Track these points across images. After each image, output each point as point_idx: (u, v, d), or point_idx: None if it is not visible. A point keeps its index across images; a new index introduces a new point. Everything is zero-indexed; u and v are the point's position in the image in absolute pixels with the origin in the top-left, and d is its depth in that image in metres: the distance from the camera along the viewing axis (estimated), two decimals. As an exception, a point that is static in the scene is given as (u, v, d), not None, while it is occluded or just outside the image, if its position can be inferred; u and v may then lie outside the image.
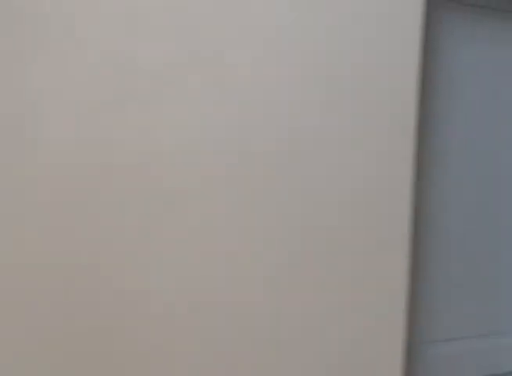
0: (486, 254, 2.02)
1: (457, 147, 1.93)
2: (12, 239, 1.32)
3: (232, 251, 1.49)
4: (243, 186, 1.49)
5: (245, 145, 1.49)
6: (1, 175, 1.31)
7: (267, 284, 1.53)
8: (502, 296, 2.06)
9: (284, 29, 1.52)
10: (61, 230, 1.35)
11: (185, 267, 1.45)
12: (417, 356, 1.90)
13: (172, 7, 1.41)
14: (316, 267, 1.58)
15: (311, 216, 1.57)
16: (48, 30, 1.32)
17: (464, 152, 1.94)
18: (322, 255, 1.59)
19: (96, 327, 1.38)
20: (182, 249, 1.44)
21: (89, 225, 1.37)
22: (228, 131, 1.47)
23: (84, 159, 1.36)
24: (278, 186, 1.53)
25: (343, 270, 1.61)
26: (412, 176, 1.68)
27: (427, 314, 1.92)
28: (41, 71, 1.32)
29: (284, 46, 1.52)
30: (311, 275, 1.58)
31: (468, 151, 1.95)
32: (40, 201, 1.33)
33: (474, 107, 1.95)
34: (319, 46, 1.56)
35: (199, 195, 1.45)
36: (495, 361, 2.05)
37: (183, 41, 1.43)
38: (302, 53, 1.54)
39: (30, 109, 1.32)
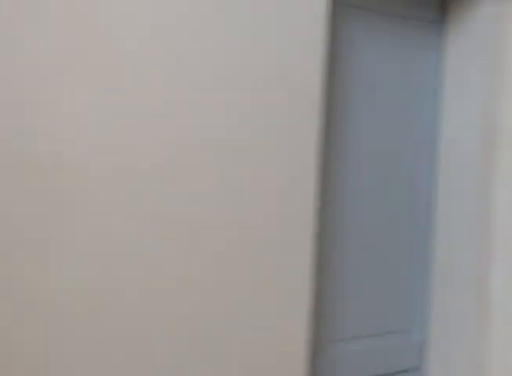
0: (389, 253, 2.07)
1: (361, 147, 1.98)
2: None
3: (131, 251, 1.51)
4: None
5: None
6: None
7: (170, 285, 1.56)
8: (403, 295, 2.11)
9: (187, 31, 1.56)
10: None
11: (91, 266, 1.45)
12: (322, 354, 1.93)
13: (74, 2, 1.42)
14: (217, 268, 1.60)
15: (210, 217, 1.59)
16: None
17: (367, 151, 1.99)
18: (224, 255, 1.60)
19: None
20: (89, 249, 1.45)
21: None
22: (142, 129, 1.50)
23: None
24: (198, 187, 1.56)
25: (245, 271, 1.63)
26: (317, 177, 1.71)
27: (330, 313, 1.95)
28: None
29: (189, 48, 1.54)
30: (212, 275, 1.60)
31: (371, 150, 2.00)
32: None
33: (376, 107, 2.01)
34: (224, 48, 1.59)
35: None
36: (398, 359, 2.10)
37: (78, 43, 1.43)
38: (205, 55, 1.57)
39: None
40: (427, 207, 2.14)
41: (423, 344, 2.16)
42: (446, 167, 2.10)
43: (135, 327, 1.50)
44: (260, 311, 1.65)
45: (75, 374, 1.43)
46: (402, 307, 2.11)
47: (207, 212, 1.57)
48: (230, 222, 1.60)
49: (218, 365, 1.60)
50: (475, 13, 2.03)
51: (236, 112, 1.59)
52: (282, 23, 1.63)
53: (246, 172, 1.61)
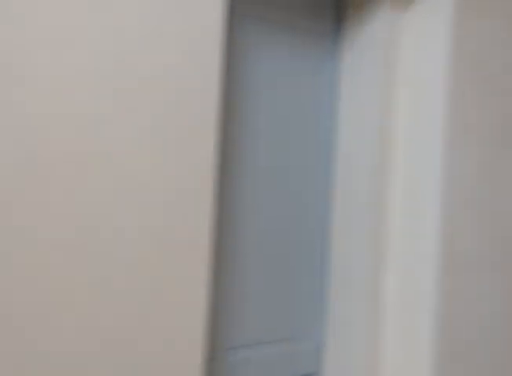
0: (287, 261, 2.07)
1: (259, 160, 1.98)
2: None
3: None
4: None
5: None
6: None
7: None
8: (301, 301, 2.12)
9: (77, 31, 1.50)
10: None
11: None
12: (219, 362, 1.92)
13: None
14: (108, 276, 1.55)
15: (107, 219, 1.55)
16: None
17: (265, 165, 2.00)
18: (122, 260, 1.56)
19: None
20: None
21: None
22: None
23: None
24: (90, 188, 1.50)
25: (141, 276, 1.58)
26: (214, 183, 1.70)
27: (228, 320, 1.94)
28: None
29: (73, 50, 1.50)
30: (102, 282, 1.55)
31: (268, 163, 2.01)
32: None
33: (273, 120, 2.01)
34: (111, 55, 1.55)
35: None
36: (297, 364, 2.11)
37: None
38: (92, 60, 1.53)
39: None
40: (324, 216, 2.17)
41: (321, 349, 2.18)
42: (342, 176, 2.14)
43: (43, 326, 1.42)
44: (155, 318, 1.60)
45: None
46: (299, 313, 2.12)
47: (90, 230, 1.51)
48: (122, 234, 1.54)
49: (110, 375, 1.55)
50: (370, 26, 2.08)
51: (136, 118, 1.53)
52: (175, 36, 1.59)
53: (139, 188, 1.57)
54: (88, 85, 1.49)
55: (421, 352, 2.07)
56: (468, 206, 2.15)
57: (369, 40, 2.09)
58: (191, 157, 1.64)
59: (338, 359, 2.14)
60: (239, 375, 1.96)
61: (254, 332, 2.01)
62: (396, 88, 2.13)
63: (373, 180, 2.08)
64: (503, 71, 2.25)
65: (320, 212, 2.16)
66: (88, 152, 1.49)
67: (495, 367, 2.29)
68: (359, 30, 2.12)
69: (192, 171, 1.65)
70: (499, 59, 2.22)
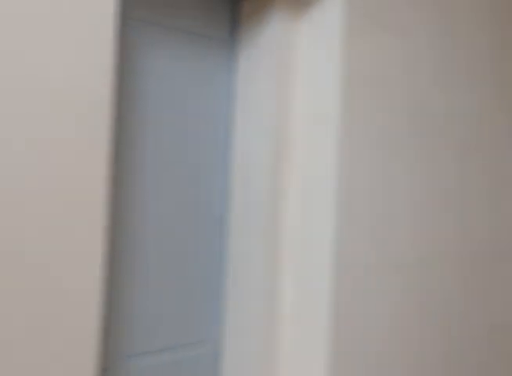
0: (182, 266, 2.07)
1: (154, 161, 1.99)
2: None
3: None
4: None
5: None
6: None
7: None
8: (197, 308, 2.11)
9: None
10: None
11: None
12: (113, 371, 1.88)
13: None
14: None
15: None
16: None
17: (161, 165, 2.00)
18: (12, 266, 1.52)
19: None
20: None
21: None
22: None
23: None
24: None
25: (29, 284, 1.53)
26: (107, 189, 1.67)
27: (123, 328, 1.92)
28: None
29: None
30: None
31: (164, 165, 2.01)
32: None
33: (169, 122, 2.02)
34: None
35: None
36: (194, 371, 2.10)
37: None
38: None
39: None
40: (220, 220, 2.17)
41: (218, 355, 2.18)
42: (239, 178, 2.15)
43: None
44: (42, 328, 1.55)
45: None
46: (198, 318, 2.11)
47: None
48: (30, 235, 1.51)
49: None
50: (265, 31, 2.12)
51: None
52: (64, 38, 1.57)
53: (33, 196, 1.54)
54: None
55: (317, 356, 2.10)
56: (362, 208, 2.20)
57: (264, 45, 2.13)
58: (82, 159, 1.62)
59: (236, 367, 2.14)
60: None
61: (153, 338, 1.99)
62: (292, 90, 2.17)
63: (269, 181, 2.10)
64: (393, 76, 2.32)
65: (217, 219, 2.16)
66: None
67: (392, 365, 2.34)
68: (255, 35, 2.15)
69: (83, 177, 1.62)
70: (388, 69, 2.30)
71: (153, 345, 2.00)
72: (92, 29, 1.63)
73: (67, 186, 1.60)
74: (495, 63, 2.75)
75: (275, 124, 2.11)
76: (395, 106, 2.31)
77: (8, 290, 1.50)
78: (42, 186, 1.56)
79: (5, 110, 1.49)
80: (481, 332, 2.72)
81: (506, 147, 2.83)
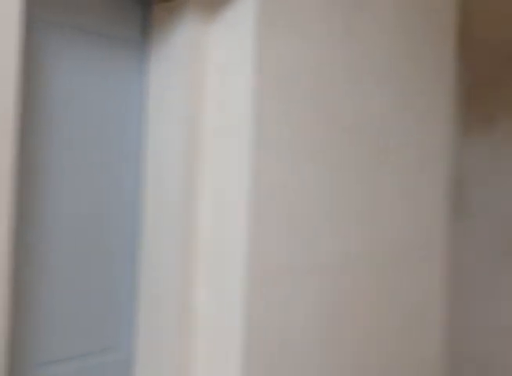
0: (94, 272, 2.04)
1: (61, 158, 1.95)
2: None
3: None
4: None
5: None
6: None
7: None
8: (110, 314, 2.09)
9: None
10: None
11: None
12: None
13: None
14: None
15: None
16: None
17: (69, 170, 1.98)
18: None
19: None
20: None
21: None
22: None
23: None
24: None
25: None
26: (12, 188, 1.64)
27: (32, 336, 1.88)
28: None
29: None
30: None
31: (73, 169, 1.98)
32: None
33: (77, 125, 2.00)
34: None
35: None
36: None
37: None
38: None
39: None
40: (133, 224, 2.16)
41: (130, 363, 2.15)
42: (153, 183, 2.14)
43: None
44: None
45: None
46: (109, 325, 2.08)
47: None
48: None
49: None
50: (176, 35, 2.11)
51: None
52: None
53: None
54: None
55: (231, 365, 2.11)
56: (275, 210, 2.22)
57: (176, 46, 2.13)
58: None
59: (148, 371, 2.13)
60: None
61: (62, 346, 1.95)
62: (204, 92, 2.17)
63: (183, 183, 2.10)
64: (306, 76, 2.36)
65: (129, 222, 2.14)
66: None
67: (310, 365, 2.37)
68: (167, 36, 2.15)
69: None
70: (301, 72, 2.33)
71: (63, 353, 1.96)
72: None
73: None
74: (402, 72, 2.83)
75: (187, 126, 2.11)
76: (307, 111, 2.34)
77: None
78: None
79: None
80: (392, 326, 2.80)
81: (414, 148, 2.92)
